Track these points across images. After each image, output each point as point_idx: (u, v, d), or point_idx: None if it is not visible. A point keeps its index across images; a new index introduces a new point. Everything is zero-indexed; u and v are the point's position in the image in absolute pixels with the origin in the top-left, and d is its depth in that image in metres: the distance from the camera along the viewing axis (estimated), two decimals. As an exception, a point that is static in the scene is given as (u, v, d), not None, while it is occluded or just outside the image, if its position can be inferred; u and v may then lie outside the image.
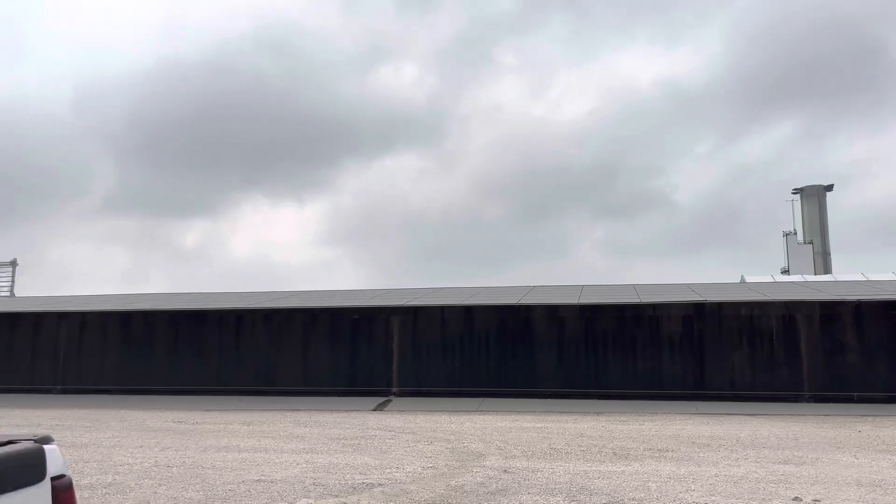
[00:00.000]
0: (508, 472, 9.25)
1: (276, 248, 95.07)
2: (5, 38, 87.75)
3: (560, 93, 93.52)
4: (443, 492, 7.88)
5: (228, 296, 28.45)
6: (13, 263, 49.33)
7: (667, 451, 11.42)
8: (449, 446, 11.97)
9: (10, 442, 1.76)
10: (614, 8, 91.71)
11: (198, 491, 7.80)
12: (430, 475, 9.03)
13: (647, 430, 14.51)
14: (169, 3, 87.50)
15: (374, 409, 20.20)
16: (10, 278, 48.81)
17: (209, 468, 9.43)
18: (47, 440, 1.79)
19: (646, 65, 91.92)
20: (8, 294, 46.77)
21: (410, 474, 9.06)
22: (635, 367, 21.64)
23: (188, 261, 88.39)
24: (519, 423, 16.28)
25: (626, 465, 9.88)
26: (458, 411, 19.40)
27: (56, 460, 1.76)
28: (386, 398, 22.20)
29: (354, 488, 8.05)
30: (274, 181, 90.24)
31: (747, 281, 35.57)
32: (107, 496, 7.51)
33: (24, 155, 78.42)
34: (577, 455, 10.91)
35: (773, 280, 36.62)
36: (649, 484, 8.49)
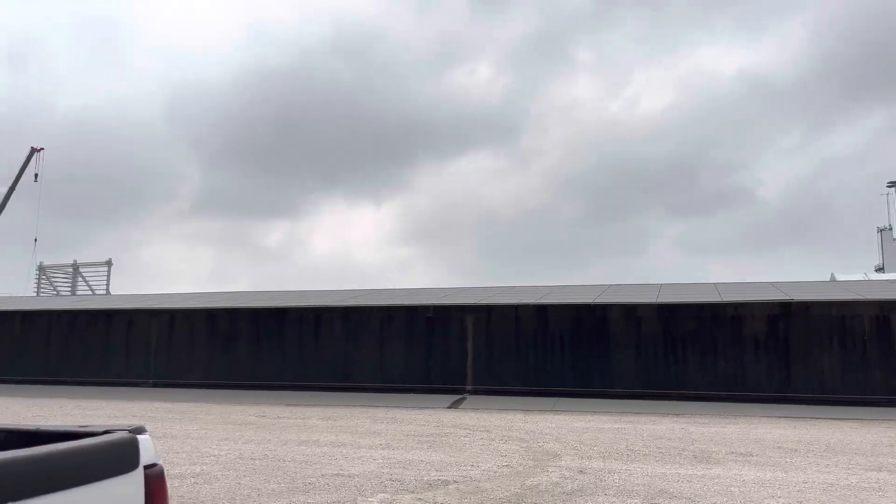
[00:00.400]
0: (584, 473, 9.13)
1: (353, 248, 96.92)
2: (104, 51, 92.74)
3: (637, 89, 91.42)
4: (518, 490, 7.85)
5: (307, 294, 29.18)
6: (108, 263, 52.09)
7: (751, 455, 11.01)
8: (524, 445, 11.91)
9: (107, 432, 1.86)
10: (692, 1, 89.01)
11: (279, 483, 8.03)
12: (506, 473, 9.01)
13: (729, 432, 14.03)
14: (252, 11, 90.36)
15: (449, 407, 20.30)
16: (105, 277, 51.58)
17: (289, 461, 9.70)
18: (140, 430, 1.88)
19: (727, 57, 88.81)
20: (104, 292, 49.41)
21: (485, 472, 9.06)
22: (716, 367, 20.97)
23: (270, 260, 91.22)
24: (595, 423, 16.04)
25: (707, 469, 9.59)
26: (532, 410, 19.27)
27: (148, 450, 1.85)
28: (460, 396, 22.28)
29: (430, 485, 8.11)
30: (352, 182, 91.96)
31: (838, 279, 33.90)
32: (195, 486, 7.82)
33: (120, 161, 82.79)
34: (656, 457, 10.66)
35: (866, 278, 34.74)
36: (732, 489, 8.21)
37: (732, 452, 11.23)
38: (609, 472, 9.20)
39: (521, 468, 9.48)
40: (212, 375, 25.11)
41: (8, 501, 1.42)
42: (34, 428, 2.04)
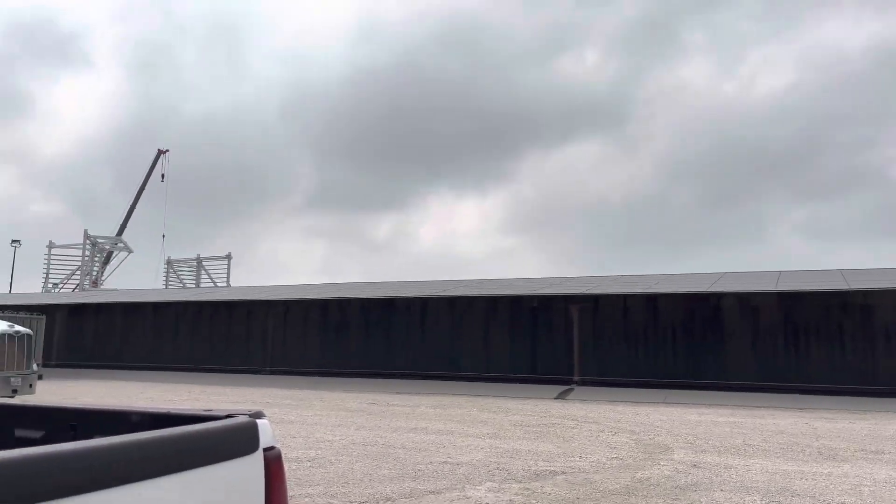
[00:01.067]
0: (698, 467, 8.81)
1: (459, 239, 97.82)
2: (227, 57, 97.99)
3: (753, 69, 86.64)
4: (628, 483, 7.68)
5: (414, 284, 29.72)
6: (228, 257, 55.08)
7: (882, 452, 10.27)
8: (634, 437, 11.64)
9: (229, 416, 1.96)
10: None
11: (390, 469, 8.24)
12: (615, 466, 8.84)
13: (858, 429, 13.15)
14: (362, 12, 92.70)
15: (556, 398, 20.13)
16: (226, 270, 54.58)
17: (399, 448, 9.93)
18: (259, 415, 1.97)
19: (854, 30, 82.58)
20: (225, 284, 52.29)
21: (594, 464, 8.93)
22: (843, 359, 19.68)
23: (379, 252, 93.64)
24: (709, 416, 15.44)
25: (835, 467, 9.02)
26: (642, 402, 18.79)
27: (267, 433, 1.93)
28: (567, 387, 22.04)
29: (538, 475, 8.07)
30: (458, 174, 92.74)
31: (983, 264, 30.96)
32: (311, 469, 8.16)
33: (240, 160, 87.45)
34: (777, 453, 10.14)
35: None
36: (862, 488, 7.69)
37: (862, 450, 10.51)
38: (725, 468, 8.83)
39: (631, 461, 9.27)
40: (324, 363, 26.08)
41: (144, 479, 1.53)
42: (165, 411, 2.18)
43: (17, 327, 16.01)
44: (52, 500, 1.33)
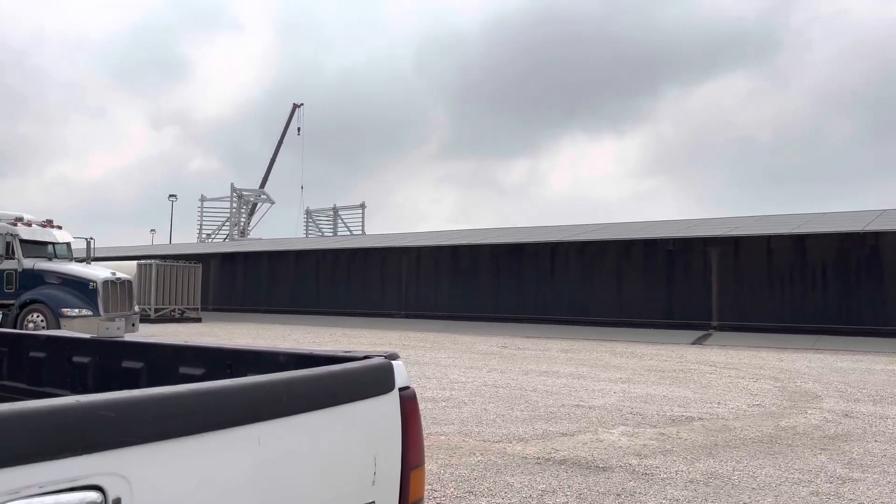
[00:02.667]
0: (850, 417, 8.30)
1: (593, 182, 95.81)
2: (364, 12, 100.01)
3: (920, -15, 77.09)
4: (771, 432, 7.37)
5: (544, 229, 29.53)
6: (362, 206, 57.03)
7: None
8: (778, 385, 11.11)
9: (366, 357, 2.06)
10: None
11: (522, 410, 8.38)
12: (757, 413, 8.50)
13: None
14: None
15: (693, 343, 19.53)
16: (361, 219, 56.63)
17: (531, 391, 10.05)
18: (395, 357, 2.05)
19: None
20: (360, 232, 54.32)
21: (734, 411, 8.63)
22: None
23: (511, 198, 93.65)
24: (863, 363, 14.43)
25: None
26: (787, 348, 17.83)
27: (402, 374, 2.01)
28: (705, 332, 21.29)
29: (673, 420, 7.93)
30: (593, 116, 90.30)
31: None
32: (445, 409, 8.45)
33: (376, 112, 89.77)
34: (942, 404, 9.34)
35: None
36: None
37: None
38: (881, 418, 8.26)
39: (774, 408, 8.88)
40: (455, 308, 26.67)
41: (290, 414, 1.65)
42: (308, 352, 2.31)
43: (119, 274, 17.38)
44: (212, 432, 1.47)
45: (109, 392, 1.36)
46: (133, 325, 17.54)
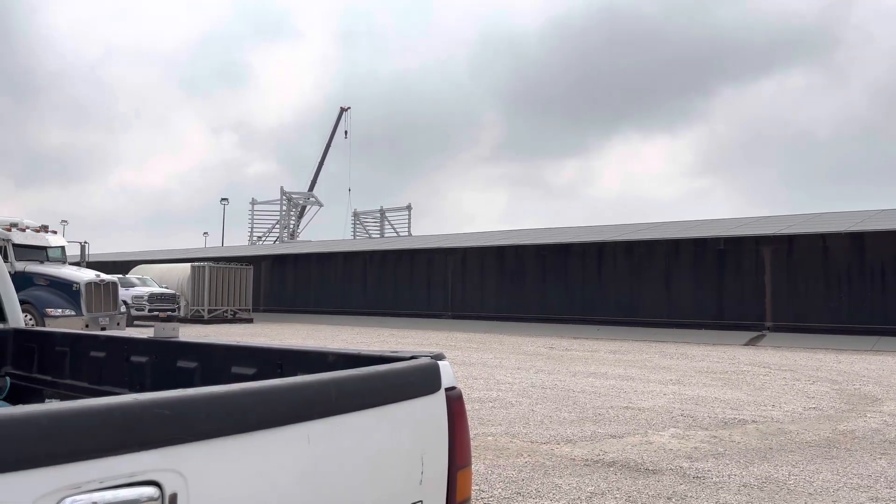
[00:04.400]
0: (913, 422, 7.99)
1: (645, 182, 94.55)
2: (421, 18, 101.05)
3: None
4: (828, 435, 7.15)
5: (591, 229, 29.25)
6: (409, 208, 57.39)
7: None
8: (835, 387, 10.77)
9: (413, 357, 2.07)
10: None
11: (570, 412, 8.30)
12: (813, 416, 8.25)
13: None
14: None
15: (746, 344, 19.07)
16: (407, 220, 56.98)
17: (579, 392, 9.95)
18: (441, 357, 2.06)
19: None
20: (406, 234, 54.65)
21: (789, 413, 8.40)
22: None
23: (560, 198, 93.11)
24: (927, 366, 13.88)
25: None
26: (845, 349, 17.27)
27: (448, 374, 2.02)
28: (758, 333, 20.77)
29: (725, 423, 7.75)
30: (645, 115, 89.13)
31: None
32: (493, 409, 8.43)
33: (428, 115, 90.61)
34: None
35: None
36: None
37: None
38: (947, 423, 7.93)
39: (832, 411, 8.60)
40: (502, 308, 26.61)
41: (339, 413, 1.67)
42: (356, 352, 2.34)
43: (103, 276, 18.28)
44: (263, 430, 1.50)
45: (165, 391, 1.40)
46: (118, 324, 18.23)
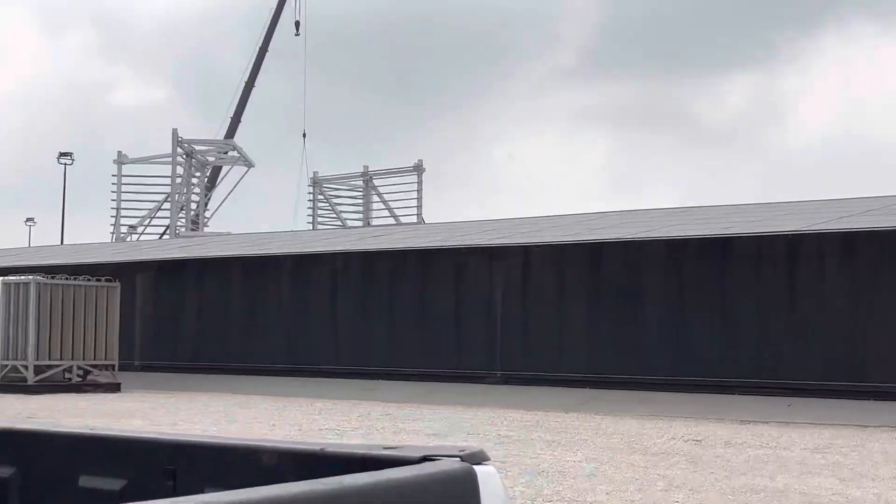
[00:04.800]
0: None
1: (888, 114, 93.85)
2: None
3: None
4: None
5: (775, 209, 28.99)
6: (417, 170, 57.56)
7: None
8: None
9: (426, 458, 2.06)
10: None
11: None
12: None
13: None
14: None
15: None
16: (414, 193, 57.05)
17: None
18: (480, 457, 2.05)
19: None
20: (414, 217, 54.68)
21: None
22: None
23: (714, 148, 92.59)
24: None
25: None
26: None
27: (494, 490, 2.00)
28: None
29: None
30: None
31: None
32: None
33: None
34: None
35: None
36: None
37: None
38: None
39: None
40: (599, 362, 26.50)
41: None
42: (316, 448, 2.35)
43: None
44: None
45: None
46: None
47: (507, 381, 27.80)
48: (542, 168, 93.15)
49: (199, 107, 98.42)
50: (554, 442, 17.06)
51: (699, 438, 17.72)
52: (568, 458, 14.95)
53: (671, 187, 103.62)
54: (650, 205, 34.54)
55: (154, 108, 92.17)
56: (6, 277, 29.74)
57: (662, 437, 17.95)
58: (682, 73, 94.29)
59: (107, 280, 30.94)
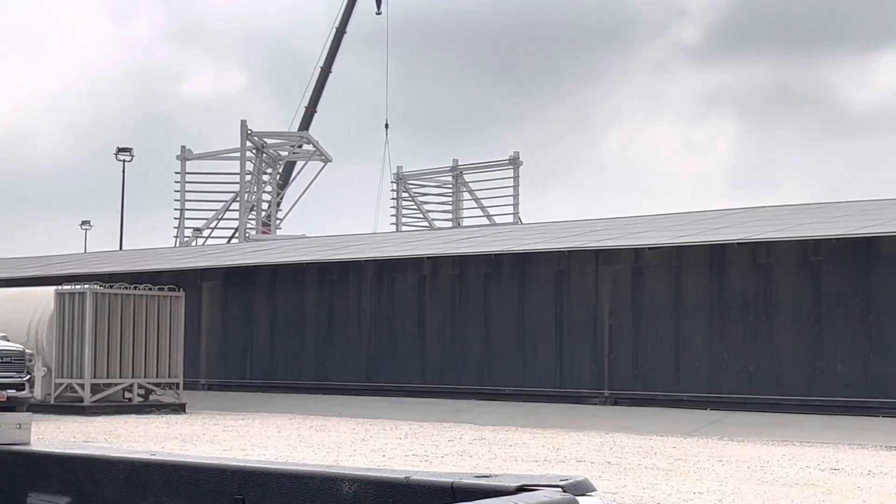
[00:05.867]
0: None
1: None
2: None
3: None
4: None
5: None
6: (513, 162, 57.54)
7: None
8: None
9: (522, 489, 2.07)
10: None
11: None
12: None
13: None
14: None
15: None
16: (510, 190, 57.05)
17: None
18: (583, 488, 2.06)
19: None
20: (510, 216, 54.63)
21: None
22: None
23: (867, 132, 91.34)
24: None
25: None
26: None
27: (601, 526, 2.01)
28: None
29: None
30: None
31: None
32: None
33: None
34: None
35: None
36: None
37: None
38: None
39: None
40: (721, 376, 26.26)
41: None
42: (402, 476, 2.37)
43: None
44: None
45: None
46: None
47: (616, 401, 27.69)
48: (659, 160, 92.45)
49: (273, 97, 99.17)
50: (671, 471, 16.96)
51: (838, 467, 17.51)
52: (687, 490, 14.85)
53: (808, 182, 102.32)
54: (783, 202, 34.04)
55: (224, 99, 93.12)
56: (60, 287, 30.16)
57: (795, 465, 17.76)
58: (823, 51, 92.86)
59: (170, 289, 31.30)
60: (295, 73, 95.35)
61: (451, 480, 2.27)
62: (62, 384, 29.15)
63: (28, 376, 26.38)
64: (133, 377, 29.80)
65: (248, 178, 57.65)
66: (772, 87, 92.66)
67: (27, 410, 22.11)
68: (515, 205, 56.28)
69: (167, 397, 30.37)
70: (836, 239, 25.53)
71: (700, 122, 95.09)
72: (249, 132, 57.54)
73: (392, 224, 58.14)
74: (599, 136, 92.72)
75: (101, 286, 30.11)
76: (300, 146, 60.78)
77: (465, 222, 56.49)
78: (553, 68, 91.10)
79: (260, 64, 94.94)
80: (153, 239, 62.50)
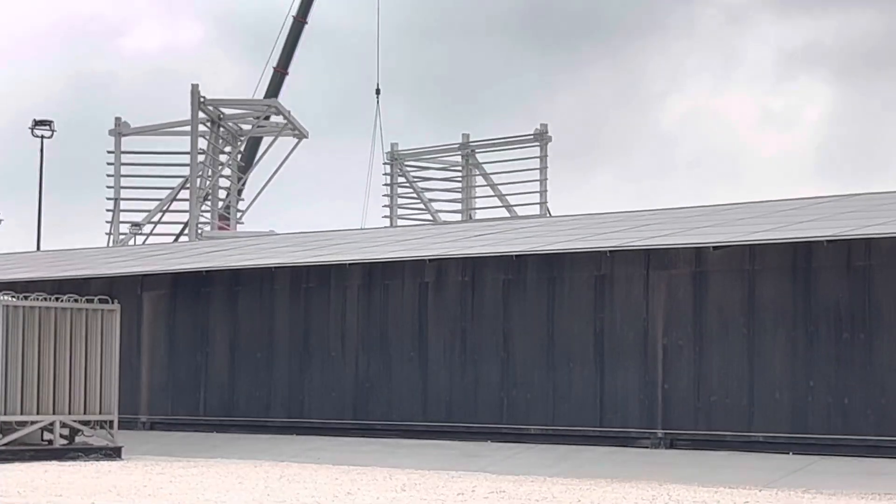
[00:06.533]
0: None
1: None
2: None
3: None
4: None
5: None
6: (539, 138, 57.77)
7: None
8: None
9: None
10: None
11: None
12: None
13: None
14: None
15: None
16: (537, 175, 57.24)
17: None
18: None
19: None
20: (537, 210, 54.79)
21: None
22: None
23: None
24: None
25: None
26: None
27: None
28: None
29: None
30: None
31: None
32: None
33: None
34: None
35: None
36: None
37: None
38: None
39: None
40: (812, 416, 26.10)
41: None
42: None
43: None
44: None
45: None
46: None
47: (672, 443, 27.58)
48: (729, 135, 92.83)
49: (233, 55, 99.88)
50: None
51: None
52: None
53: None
54: (887, 188, 33.92)
55: (172, 57, 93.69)
56: (-35, 298, 30.10)
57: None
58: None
59: (101, 301, 31.22)
60: (261, 24, 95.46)
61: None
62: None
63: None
64: (54, 413, 29.68)
65: (202, 158, 57.84)
66: (876, 42, 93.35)
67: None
68: (542, 192, 56.33)
69: (98, 439, 30.25)
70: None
71: (783, 87, 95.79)
72: (203, 100, 57.77)
73: (385, 217, 58.45)
74: (654, 104, 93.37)
75: (12, 297, 30.02)
76: (267, 117, 61.00)
77: (479, 214, 56.54)
78: (594, 17, 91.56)
79: (217, 14, 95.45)
80: (80, 237, 62.66)
